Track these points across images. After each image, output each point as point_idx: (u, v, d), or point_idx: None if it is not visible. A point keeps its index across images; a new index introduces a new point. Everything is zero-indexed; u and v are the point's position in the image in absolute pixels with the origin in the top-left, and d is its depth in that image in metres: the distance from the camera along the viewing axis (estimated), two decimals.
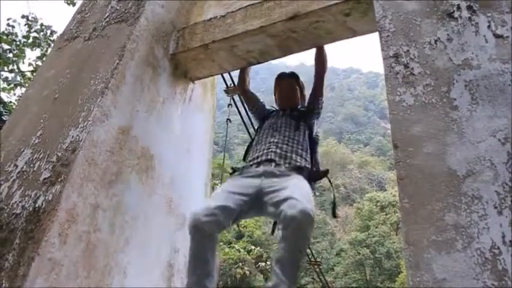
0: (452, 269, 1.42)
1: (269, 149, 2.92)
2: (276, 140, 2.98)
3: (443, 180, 1.61)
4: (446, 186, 1.59)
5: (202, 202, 2.53)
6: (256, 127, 3.59)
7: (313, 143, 3.16)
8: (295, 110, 3.34)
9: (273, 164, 2.79)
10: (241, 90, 3.79)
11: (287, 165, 2.78)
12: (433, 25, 2.05)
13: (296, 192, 2.41)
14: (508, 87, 1.71)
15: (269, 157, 2.85)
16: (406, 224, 1.58)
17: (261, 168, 2.78)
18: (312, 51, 3.41)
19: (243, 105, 8.01)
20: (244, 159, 3.23)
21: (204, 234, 2.39)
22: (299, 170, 2.79)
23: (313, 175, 2.94)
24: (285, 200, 2.34)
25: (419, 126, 1.77)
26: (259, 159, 2.88)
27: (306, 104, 3.46)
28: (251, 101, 3.67)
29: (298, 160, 2.88)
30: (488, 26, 1.91)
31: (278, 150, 2.89)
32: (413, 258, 1.48)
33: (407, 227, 1.56)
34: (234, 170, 3.06)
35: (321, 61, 3.37)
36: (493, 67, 1.79)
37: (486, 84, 1.76)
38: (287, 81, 3.60)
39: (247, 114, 8.09)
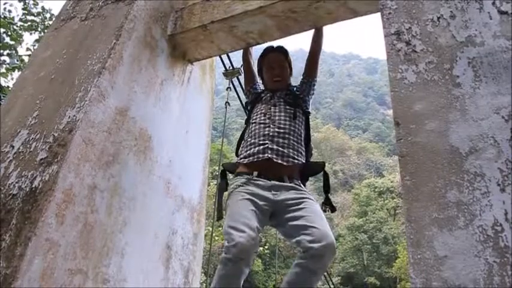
0: (453, 247, 1.40)
1: (264, 144, 2.73)
2: (271, 134, 2.77)
3: (446, 157, 1.58)
4: (448, 163, 1.57)
5: (232, 220, 2.35)
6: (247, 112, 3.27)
7: (309, 130, 3.01)
8: (289, 93, 3.06)
9: (276, 170, 2.67)
10: (246, 67, 3.48)
11: (285, 164, 2.68)
12: (436, 2, 2.01)
13: (316, 220, 2.38)
14: None
15: (266, 156, 2.69)
16: (408, 201, 1.56)
17: (270, 183, 2.61)
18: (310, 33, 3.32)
19: (242, 89, 7.98)
20: (236, 154, 3.02)
21: (248, 263, 2.28)
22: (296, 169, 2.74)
23: (309, 170, 2.86)
24: (305, 227, 2.32)
25: (422, 103, 1.74)
26: (255, 158, 2.72)
27: (297, 84, 3.21)
28: (251, 80, 3.33)
29: (296, 157, 2.74)
30: (493, 3, 1.87)
31: (274, 146, 2.71)
32: (415, 236, 1.47)
33: (409, 205, 1.54)
34: (227, 170, 2.94)
35: (319, 39, 3.25)
36: (497, 44, 1.76)
37: (490, 61, 1.73)
38: (277, 57, 3.25)
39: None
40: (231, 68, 6.37)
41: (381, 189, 48.79)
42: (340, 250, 40.88)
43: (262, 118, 2.90)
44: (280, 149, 2.71)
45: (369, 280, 36.77)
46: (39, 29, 9.92)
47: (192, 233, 3.30)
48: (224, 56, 6.12)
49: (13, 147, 2.59)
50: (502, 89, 1.64)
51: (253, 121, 2.95)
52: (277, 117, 2.86)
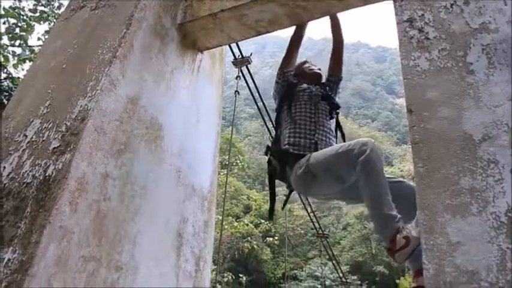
0: (466, 233, 1.40)
1: (316, 136, 3.03)
2: (319, 130, 3.08)
3: (459, 144, 1.58)
4: (461, 150, 1.57)
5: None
6: (279, 97, 3.47)
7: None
8: (325, 91, 3.37)
9: None
10: (294, 47, 3.61)
11: None
12: None
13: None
14: None
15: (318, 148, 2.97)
16: (421, 188, 1.56)
17: None
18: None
19: (252, 78, 7.96)
20: (276, 141, 3.24)
21: None
22: None
23: None
24: None
25: (435, 90, 1.73)
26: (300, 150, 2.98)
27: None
28: (291, 64, 3.56)
29: None
30: None
31: (324, 139, 3.04)
32: (428, 222, 1.47)
33: (422, 191, 1.55)
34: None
35: (339, 30, 3.36)
36: None
37: (504, 48, 1.72)
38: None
39: (256, 87, 8.04)
40: (240, 56, 6.37)
41: None
42: (349, 239, 40.94)
43: (308, 110, 3.19)
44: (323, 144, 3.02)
45: (378, 269, 36.77)
46: (49, 19, 9.91)
47: (202, 221, 3.32)
48: (233, 45, 6.11)
49: (26, 136, 2.61)
50: None
51: (300, 111, 3.20)
52: (320, 115, 3.18)
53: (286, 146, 3.02)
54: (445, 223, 1.44)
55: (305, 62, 3.69)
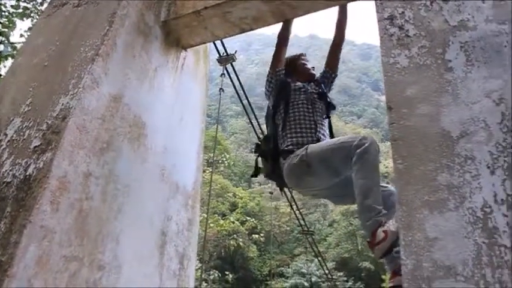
0: (444, 228, 1.43)
1: (317, 135, 3.05)
2: (319, 129, 3.10)
3: (437, 141, 1.60)
4: (439, 147, 1.59)
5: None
6: (274, 97, 3.38)
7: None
8: (321, 90, 3.37)
9: None
10: (282, 45, 3.53)
11: None
12: None
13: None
14: (504, 48, 1.70)
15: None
16: (399, 184, 1.58)
17: None
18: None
19: (237, 76, 7.95)
20: (268, 140, 3.26)
21: None
22: None
23: None
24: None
25: (414, 87, 1.75)
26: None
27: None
28: (281, 64, 3.47)
29: None
30: None
31: (324, 138, 3.07)
32: (406, 219, 1.49)
33: (400, 188, 1.57)
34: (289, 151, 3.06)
35: (344, 24, 3.37)
36: (490, 28, 1.77)
37: (482, 45, 1.74)
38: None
39: (241, 85, 8.03)
40: (225, 54, 6.36)
41: None
42: (335, 236, 41.15)
43: (305, 108, 3.18)
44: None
45: (364, 265, 37.04)
46: (32, 16, 9.79)
47: (186, 219, 3.31)
48: (218, 42, 6.10)
49: (6, 135, 2.58)
50: (494, 73, 1.65)
51: (297, 109, 3.19)
52: (318, 114, 3.19)
53: (290, 147, 3.02)
54: (423, 219, 1.46)
55: (301, 55, 3.64)
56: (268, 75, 3.43)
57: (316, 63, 3.87)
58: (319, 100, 3.26)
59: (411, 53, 1.85)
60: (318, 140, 3.00)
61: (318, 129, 3.07)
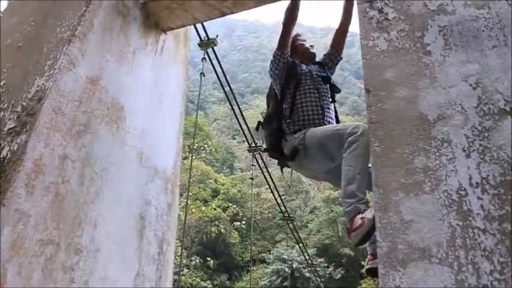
0: (419, 211, 1.44)
1: (325, 120, 3.05)
2: (326, 113, 3.09)
3: (414, 124, 1.61)
4: (417, 130, 1.59)
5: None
6: (284, 78, 3.26)
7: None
8: (325, 74, 3.34)
9: None
10: (291, 21, 3.26)
11: None
12: None
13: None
14: (482, 32, 1.70)
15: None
16: (376, 167, 1.59)
17: None
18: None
19: (219, 61, 7.88)
20: (273, 120, 3.23)
21: None
22: None
23: None
24: None
25: (392, 71, 1.75)
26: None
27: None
28: (288, 44, 3.27)
29: None
30: None
31: (332, 122, 3.10)
32: (382, 201, 1.50)
33: (377, 170, 1.57)
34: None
35: (352, 7, 3.31)
36: (468, 13, 1.77)
37: (460, 29, 1.75)
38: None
39: (222, 71, 7.96)
40: (206, 38, 6.29)
41: None
42: (316, 222, 41.43)
43: (313, 90, 3.15)
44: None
45: (344, 251, 37.43)
46: None
47: (166, 204, 3.29)
48: (200, 27, 6.03)
49: None
50: (471, 57, 1.66)
51: (304, 90, 3.17)
52: (325, 97, 3.17)
53: (298, 131, 3.02)
54: (398, 201, 1.47)
55: (297, 35, 3.52)
56: (275, 56, 3.26)
57: None
58: (324, 84, 3.24)
59: (390, 36, 1.85)
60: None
61: (326, 113, 3.06)
